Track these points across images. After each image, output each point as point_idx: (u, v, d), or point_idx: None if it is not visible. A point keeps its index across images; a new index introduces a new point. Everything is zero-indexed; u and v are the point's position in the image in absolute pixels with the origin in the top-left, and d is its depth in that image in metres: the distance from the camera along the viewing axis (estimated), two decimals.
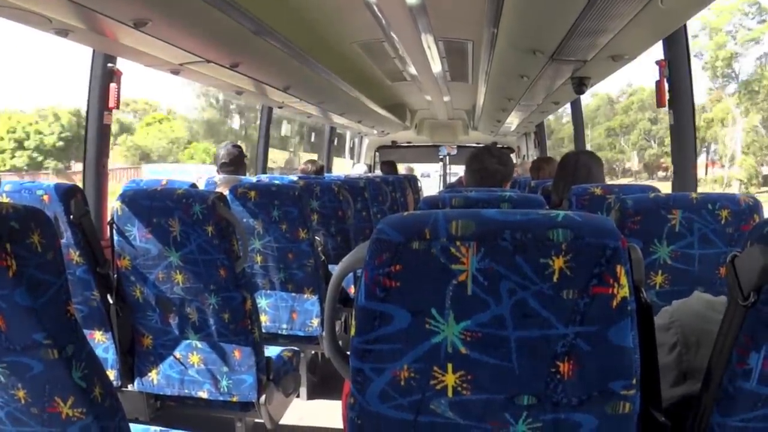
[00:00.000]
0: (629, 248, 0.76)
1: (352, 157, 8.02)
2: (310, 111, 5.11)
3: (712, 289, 1.35)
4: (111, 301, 1.78)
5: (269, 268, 2.54)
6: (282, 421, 2.06)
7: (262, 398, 1.85)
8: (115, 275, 1.80)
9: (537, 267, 0.74)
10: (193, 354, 1.83)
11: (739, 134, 23.97)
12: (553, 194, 2.40)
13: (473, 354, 0.76)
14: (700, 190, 2.81)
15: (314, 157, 9.05)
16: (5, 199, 1.62)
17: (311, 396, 2.90)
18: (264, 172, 4.83)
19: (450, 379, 0.77)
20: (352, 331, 0.79)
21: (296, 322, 2.58)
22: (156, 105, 26.09)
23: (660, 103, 2.67)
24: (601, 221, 0.76)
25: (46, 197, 1.62)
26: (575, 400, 0.76)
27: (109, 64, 2.62)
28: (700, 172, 27.13)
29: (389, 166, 6.79)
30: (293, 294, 2.57)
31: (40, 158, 21.60)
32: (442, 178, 8.10)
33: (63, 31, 2.08)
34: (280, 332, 2.60)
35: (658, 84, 2.64)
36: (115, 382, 1.84)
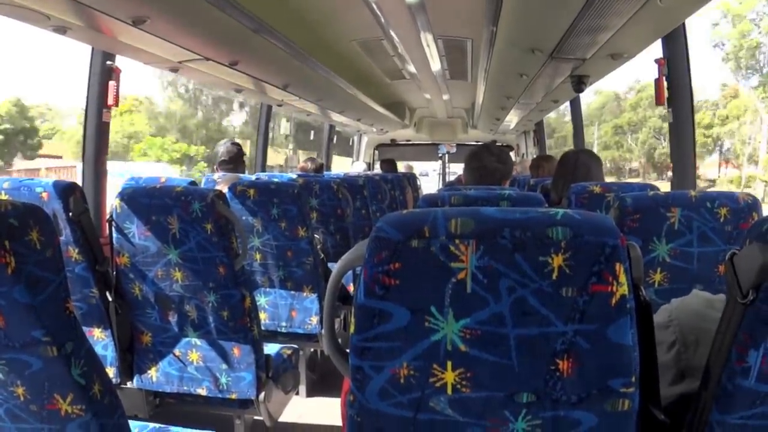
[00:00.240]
0: (628, 246, 0.76)
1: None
2: (310, 109, 5.11)
3: (711, 287, 1.35)
4: (110, 299, 1.78)
5: (268, 265, 2.54)
6: (281, 419, 2.06)
7: (262, 396, 1.85)
8: (114, 273, 1.80)
9: (536, 265, 0.74)
10: (192, 351, 1.83)
11: (767, 130, 22.32)
12: (553, 192, 2.40)
13: (473, 352, 0.76)
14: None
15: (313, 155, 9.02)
16: (4, 196, 1.62)
17: (310, 393, 2.90)
18: (263, 170, 4.83)
19: (449, 376, 0.77)
20: (352, 329, 0.79)
21: (295, 320, 2.58)
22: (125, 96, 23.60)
23: (659, 101, 2.68)
24: (601, 219, 0.76)
25: (44, 194, 1.62)
26: (575, 398, 0.76)
27: (108, 62, 2.61)
28: (713, 172, 26.21)
29: (388, 165, 6.79)
30: (292, 292, 2.57)
31: None
32: (441, 176, 8.10)
33: (61, 29, 2.08)
34: (279, 330, 2.60)
35: (657, 82, 2.64)
36: (114, 380, 1.84)
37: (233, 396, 1.84)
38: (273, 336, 2.60)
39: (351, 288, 2.82)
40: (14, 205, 0.84)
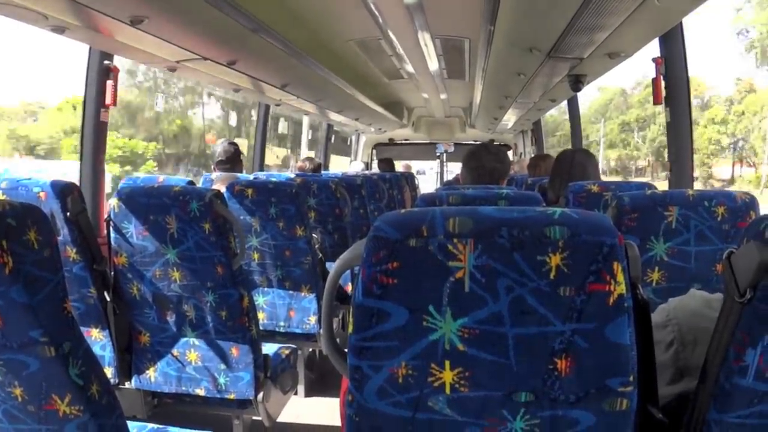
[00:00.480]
0: (626, 245, 0.76)
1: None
2: (308, 108, 5.11)
3: (709, 285, 1.36)
4: (108, 299, 1.78)
5: (266, 265, 2.54)
6: (279, 419, 2.06)
7: (260, 395, 1.85)
8: (112, 272, 1.80)
9: (534, 264, 0.74)
10: (190, 351, 1.83)
11: None
12: (550, 192, 2.41)
13: (471, 351, 0.76)
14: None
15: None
16: (1, 196, 1.62)
17: (309, 393, 2.90)
18: (261, 169, 4.83)
19: (448, 376, 0.77)
20: (350, 329, 0.79)
21: (294, 320, 2.58)
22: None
23: (656, 100, 2.68)
24: (598, 218, 0.76)
25: (42, 194, 1.61)
26: (573, 397, 0.76)
27: (106, 62, 2.61)
28: (726, 172, 25.33)
29: (386, 164, 6.79)
30: (291, 291, 2.57)
31: None
32: (439, 175, 8.11)
33: (59, 28, 2.07)
34: (277, 330, 2.60)
35: (655, 81, 2.65)
36: (112, 380, 1.84)
37: (231, 396, 1.84)
38: (271, 336, 2.60)
39: (349, 288, 2.82)
40: (12, 204, 0.83)
